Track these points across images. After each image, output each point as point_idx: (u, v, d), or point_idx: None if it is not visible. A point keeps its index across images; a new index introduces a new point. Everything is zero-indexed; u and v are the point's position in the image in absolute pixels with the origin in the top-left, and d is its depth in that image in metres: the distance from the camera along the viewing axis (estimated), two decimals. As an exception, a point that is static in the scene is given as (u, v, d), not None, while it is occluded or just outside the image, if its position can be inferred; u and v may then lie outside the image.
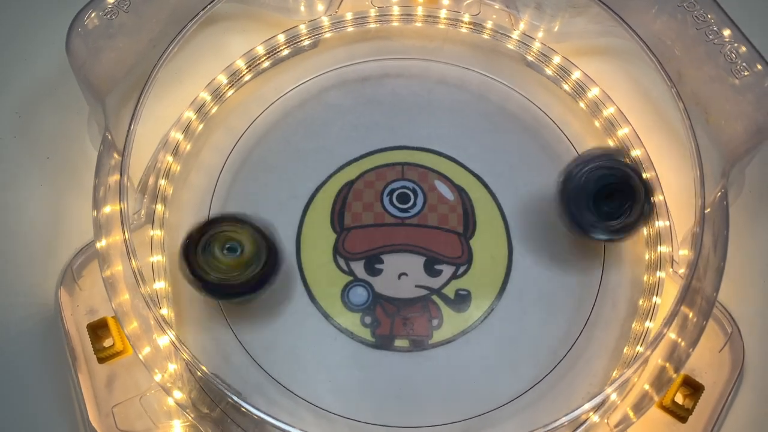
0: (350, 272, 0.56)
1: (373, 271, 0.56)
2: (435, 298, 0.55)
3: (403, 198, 0.58)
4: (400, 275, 0.56)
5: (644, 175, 0.53)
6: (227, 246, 0.51)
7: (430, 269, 0.56)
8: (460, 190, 0.58)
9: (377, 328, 0.54)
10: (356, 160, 0.59)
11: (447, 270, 0.56)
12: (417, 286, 0.56)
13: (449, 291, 0.56)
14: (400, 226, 0.57)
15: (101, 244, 0.50)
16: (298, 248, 0.56)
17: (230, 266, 0.50)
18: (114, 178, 0.51)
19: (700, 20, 0.55)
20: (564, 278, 0.56)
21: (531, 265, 0.56)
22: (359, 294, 0.55)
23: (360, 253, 0.56)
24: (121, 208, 0.50)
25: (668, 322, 0.49)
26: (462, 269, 0.56)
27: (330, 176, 0.58)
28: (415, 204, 0.58)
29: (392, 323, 0.54)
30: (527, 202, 0.58)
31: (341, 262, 0.56)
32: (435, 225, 0.57)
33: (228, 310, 0.55)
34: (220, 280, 0.50)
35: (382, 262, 0.56)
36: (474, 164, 0.59)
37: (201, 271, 0.50)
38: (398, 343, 0.54)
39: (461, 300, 0.55)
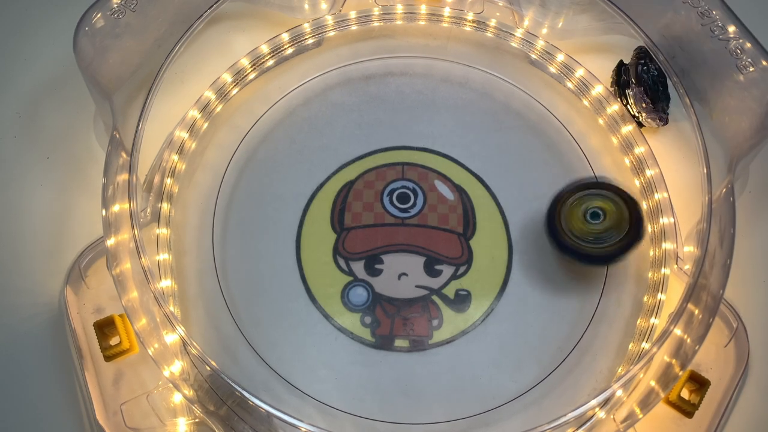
0: (350, 272, 0.56)
1: (373, 271, 0.56)
2: (435, 298, 0.55)
3: (403, 198, 0.58)
4: (400, 275, 0.56)
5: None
6: (591, 212, 0.53)
7: (430, 269, 0.56)
8: (460, 190, 0.58)
9: (377, 328, 0.54)
10: (357, 159, 0.59)
11: (447, 270, 0.56)
12: (417, 286, 0.56)
13: (449, 291, 0.56)
14: (400, 226, 0.57)
15: (111, 242, 0.50)
16: (298, 248, 0.56)
17: (590, 232, 0.53)
18: (122, 177, 0.51)
19: (705, 16, 0.55)
20: (566, 277, 0.56)
21: (531, 265, 0.56)
22: (359, 294, 0.55)
23: (360, 253, 0.56)
24: (130, 206, 0.50)
25: (674, 320, 0.49)
26: (462, 269, 0.56)
27: (330, 176, 0.59)
28: (415, 204, 0.58)
29: (392, 323, 0.55)
30: (527, 202, 0.58)
31: (341, 262, 0.56)
32: (435, 225, 0.57)
33: (233, 308, 0.55)
34: (577, 245, 0.53)
35: (382, 262, 0.56)
36: (474, 164, 0.59)
37: (561, 233, 0.53)
38: (398, 343, 0.54)
39: (461, 300, 0.55)
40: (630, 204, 0.53)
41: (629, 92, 0.59)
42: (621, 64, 0.61)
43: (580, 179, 0.56)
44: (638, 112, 0.59)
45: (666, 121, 0.59)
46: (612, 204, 0.53)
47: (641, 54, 0.59)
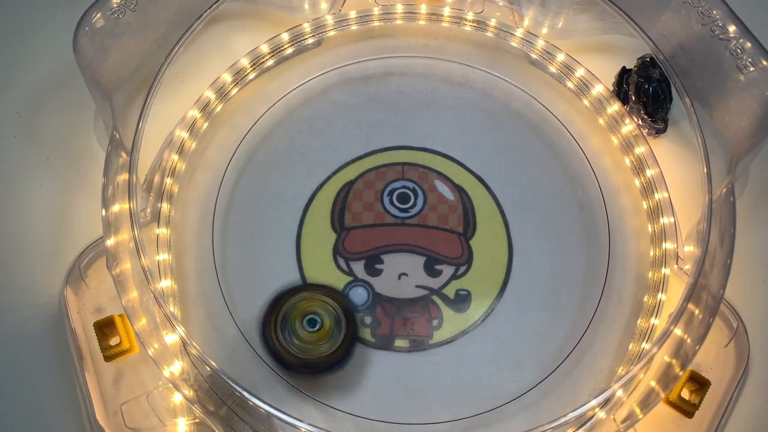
0: (350, 272, 0.56)
1: (373, 271, 0.56)
2: (435, 298, 0.55)
3: (403, 198, 0.58)
4: (400, 275, 0.56)
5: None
6: (307, 319, 0.51)
7: (430, 269, 0.56)
8: (460, 190, 0.58)
9: (377, 329, 0.54)
10: (357, 159, 0.59)
11: (447, 270, 0.56)
12: (417, 286, 0.56)
13: (449, 291, 0.56)
14: (400, 226, 0.57)
15: (110, 242, 0.50)
16: (298, 248, 0.56)
17: (310, 341, 0.51)
18: (122, 177, 0.51)
19: (705, 16, 0.55)
20: (567, 277, 0.56)
21: (532, 265, 0.56)
22: (359, 294, 0.55)
23: (360, 253, 0.56)
24: (130, 206, 0.50)
25: (675, 320, 0.49)
26: (462, 269, 0.56)
27: (330, 176, 0.59)
28: (415, 204, 0.58)
29: (392, 323, 0.55)
30: (527, 202, 0.58)
31: (341, 262, 0.56)
32: (435, 225, 0.57)
33: (233, 308, 0.55)
34: (297, 359, 0.51)
35: (382, 262, 0.56)
36: (474, 164, 0.59)
37: (279, 347, 0.51)
38: (398, 343, 0.54)
39: (461, 300, 0.55)
40: (339, 299, 0.53)
41: (627, 107, 0.60)
42: (623, 71, 0.61)
43: (287, 285, 0.55)
44: (637, 122, 0.59)
45: (664, 130, 0.60)
46: (324, 305, 0.52)
47: (644, 64, 0.59)
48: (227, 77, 0.61)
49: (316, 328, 0.52)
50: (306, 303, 0.52)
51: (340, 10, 0.63)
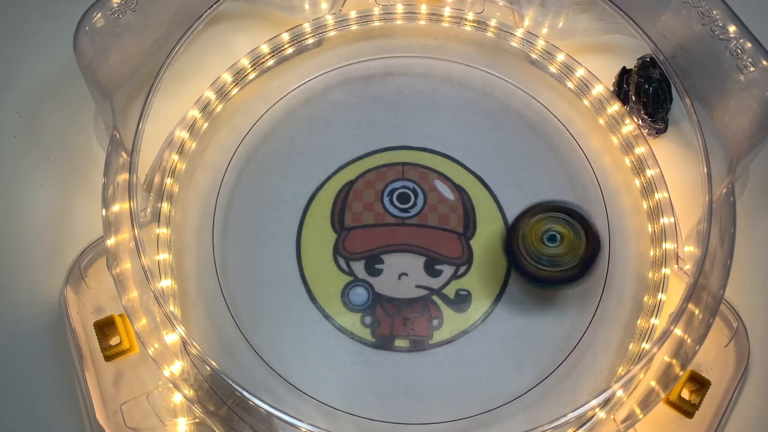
0: (350, 272, 0.56)
1: (373, 271, 0.56)
2: (435, 298, 0.55)
3: (404, 198, 0.58)
4: (400, 275, 0.56)
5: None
6: (547, 236, 0.53)
7: (431, 269, 0.56)
8: (460, 190, 0.58)
9: (377, 328, 0.54)
10: (358, 159, 0.59)
11: (447, 270, 0.56)
12: (417, 286, 0.56)
13: (449, 291, 0.56)
14: (400, 226, 0.57)
15: (111, 242, 0.50)
16: (299, 248, 0.56)
17: (551, 256, 0.53)
18: (122, 177, 0.51)
19: (705, 16, 0.55)
20: (567, 276, 0.56)
21: (532, 265, 0.56)
22: (359, 294, 0.55)
23: (360, 253, 0.56)
24: (130, 206, 0.50)
25: (675, 320, 0.49)
26: (462, 269, 0.56)
27: (330, 176, 0.59)
28: (415, 204, 0.58)
29: (392, 323, 0.55)
30: (527, 202, 0.58)
31: (341, 262, 0.56)
32: (435, 225, 0.57)
33: (233, 308, 0.55)
34: (537, 269, 0.53)
35: (382, 262, 0.56)
36: (474, 164, 0.59)
37: (533, 268, 0.53)
38: (398, 343, 0.54)
39: (461, 300, 0.55)
40: (588, 231, 0.53)
41: (627, 107, 0.60)
42: (623, 71, 0.61)
43: (545, 201, 0.56)
44: (637, 122, 0.59)
45: (664, 130, 0.60)
46: (570, 229, 0.54)
47: (644, 64, 0.59)
48: (227, 77, 0.61)
49: (558, 242, 0.53)
50: (536, 225, 0.54)
51: (340, 10, 0.63)
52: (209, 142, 0.60)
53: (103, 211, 0.51)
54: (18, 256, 0.57)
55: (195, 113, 0.60)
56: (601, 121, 0.61)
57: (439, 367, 0.54)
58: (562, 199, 0.57)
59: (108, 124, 0.54)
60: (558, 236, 0.53)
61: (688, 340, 0.50)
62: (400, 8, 0.63)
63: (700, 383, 0.52)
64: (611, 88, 0.61)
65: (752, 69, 0.54)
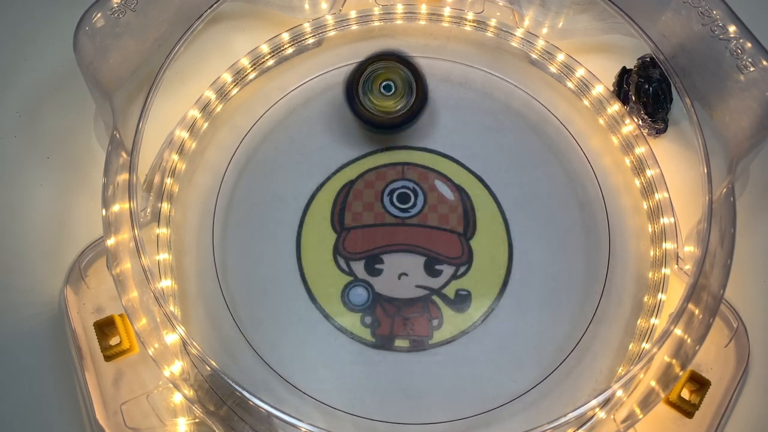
0: (350, 272, 0.56)
1: (373, 271, 0.56)
2: (435, 298, 0.55)
3: (404, 198, 0.58)
4: (400, 275, 0.56)
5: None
6: (383, 84, 0.58)
7: (430, 269, 0.56)
8: (460, 190, 0.58)
9: (377, 329, 0.54)
10: (357, 159, 0.59)
11: (447, 270, 0.56)
12: (417, 286, 0.56)
13: (449, 291, 0.56)
14: (400, 226, 0.57)
15: (111, 242, 0.50)
16: (299, 248, 0.56)
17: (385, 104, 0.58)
18: (122, 177, 0.51)
19: (705, 16, 0.55)
20: (567, 277, 0.56)
21: (532, 265, 0.56)
22: (359, 294, 0.55)
23: (360, 253, 0.56)
24: (130, 206, 0.50)
25: (675, 320, 0.49)
26: (462, 269, 0.56)
27: (330, 176, 0.59)
28: (415, 204, 0.58)
29: (392, 323, 0.55)
30: (527, 202, 0.58)
31: (341, 262, 0.56)
32: (435, 225, 0.57)
33: (233, 308, 0.55)
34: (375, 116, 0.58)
35: (382, 262, 0.56)
36: (474, 164, 0.59)
37: (362, 109, 0.57)
38: (398, 343, 0.54)
39: (461, 300, 0.55)
40: (413, 70, 0.58)
41: (627, 107, 0.60)
42: (623, 71, 0.61)
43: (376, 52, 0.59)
44: (637, 122, 0.59)
45: (664, 130, 0.60)
46: (403, 81, 0.58)
47: (644, 65, 0.59)
48: (227, 77, 0.61)
49: (391, 92, 0.58)
50: (383, 72, 0.58)
51: (340, 10, 0.63)
52: (209, 142, 0.60)
53: (103, 211, 0.51)
54: (18, 256, 0.57)
55: (195, 113, 0.60)
56: (601, 121, 0.61)
57: (439, 367, 0.54)
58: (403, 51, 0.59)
59: (108, 124, 0.54)
60: (393, 86, 0.57)
61: (688, 340, 0.50)
62: (400, 8, 0.63)
63: (700, 383, 0.52)
64: (611, 88, 0.61)
65: (752, 69, 0.54)
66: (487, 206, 0.58)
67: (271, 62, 0.62)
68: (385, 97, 0.58)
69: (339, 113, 0.61)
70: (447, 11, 0.63)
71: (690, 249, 0.55)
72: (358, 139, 0.60)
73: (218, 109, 0.61)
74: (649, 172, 0.58)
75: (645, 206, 0.58)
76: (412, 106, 0.57)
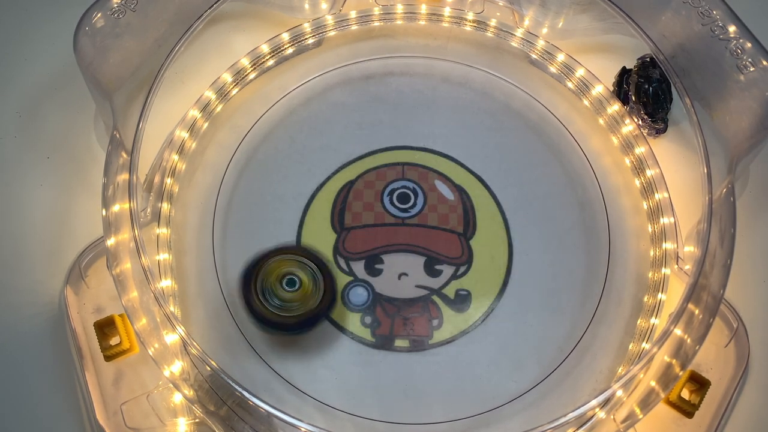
0: (350, 272, 0.56)
1: (373, 271, 0.56)
2: (435, 298, 0.55)
3: (404, 198, 0.58)
4: (400, 275, 0.56)
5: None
6: (286, 279, 0.52)
7: (430, 269, 0.56)
8: (460, 190, 0.58)
9: (377, 328, 0.54)
10: (357, 159, 0.59)
11: (447, 270, 0.56)
12: (417, 286, 0.56)
13: (449, 291, 0.56)
14: (400, 226, 0.57)
15: (111, 242, 0.50)
16: (299, 248, 0.56)
17: (290, 300, 0.52)
18: (123, 177, 0.51)
19: (705, 16, 0.56)
20: (567, 277, 0.56)
21: (532, 265, 0.56)
22: (359, 294, 0.55)
23: (360, 253, 0.56)
24: (130, 206, 0.50)
25: (675, 320, 0.49)
26: (462, 269, 0.56)
27: (330, 176, 0.59)
28: (415, 204, 0.58)
29: (392, 323, 0.55)
30: (527, 202, 0.58)
31: (341, 262, 0.56)
32: (435, 225, 0.57)
33: (233, 308, 0.55)
34: (277, 315, 0.51)
35: (382, 262, 0.56)
36: (474, 164, 0.59)
37: (259, 306, 0.51)
38: (398, 343, 0.54)
39: (461, 300, 0.55)
40: (327, 285, 0.52)
41: (627, 107, 0.60)
42: (623, 71, 0.61)
43: (280, 245, 0.55)
44: (637, 122, 0.60)
45: (664, 130, 0.60)
46: (310, 279, 0.52)
47: (644, 64, 0.59)
48: (227, 77, 0.61)
49: (296, 287, 0.52)
50: (280, 264, 0.52)
51: (340, 10, 0.63)
52: (209, 142, 0.60)
53: (103, 211, 0.51)
54: (18, 256, 0.57)
55: (195, 113, 0.60)
56: (601, 121, 0.61)
57: (439, 367, 0.54)
58: (313, 247, 0.56)
59: (108, 124, 0.54)
60: (297, 279, 0.52)
61: (688, 340, 0.50)
62: (400, 8, 0.63)
63: (700, 383, 0.52)
64: (611, 88, 0.61)
65: (752, 69, 0.54)
66: (487, 206, 0.58)
67: (271, 62, 0.62)
68: (286, 292, 0.52)
69: (339, 113, 0.61)
70: (447, 11, 0.64)
71: (690, 249, 0.55)
72: (358, 139, 0.60)
73: (218, 109, 0.61)
74: (649, 172, 0.58)
75: (645, 206, 0.58)
76: (317, 306, 0.52)
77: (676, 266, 0.55)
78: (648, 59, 0.60)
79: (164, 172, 0.58)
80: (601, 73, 0.61)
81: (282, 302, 0.52)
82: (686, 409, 0.51)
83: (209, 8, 0.56)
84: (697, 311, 0.50)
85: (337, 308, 0.55)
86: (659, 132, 0.60)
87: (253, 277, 0.52)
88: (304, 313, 0.52)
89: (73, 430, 0.53)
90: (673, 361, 0.50)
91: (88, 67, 0.53)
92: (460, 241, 0.57)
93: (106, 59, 0.53)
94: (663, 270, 0.56)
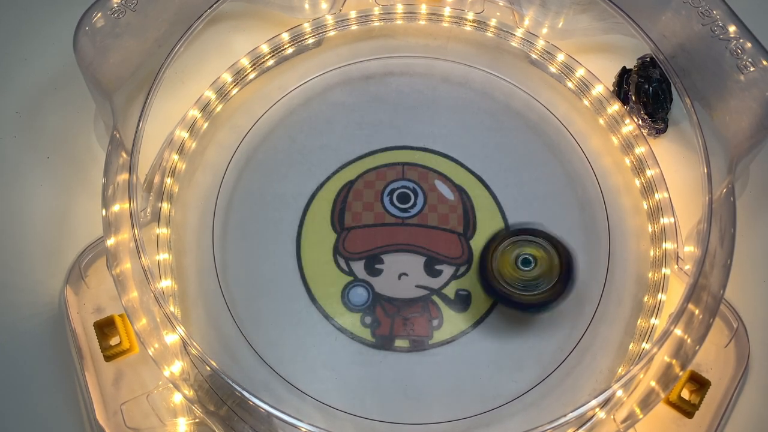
0: (350, 272, 0.56)
1: (373, 271, 0.56)
2: (435, 298, 0.55)
3: (404, 198, 0.58)
4: (400, 275, 0.56)
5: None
6: (522, 258, 0.53)
7: (431, 269, 0.56)
8: (460, 190, 0.58)
9: (377, 329, 0.54)
10: (357, 159, 0.59)
11: (447, 270, 0.56)
12: (417, 286, 0.56)
13: (449, 291, 0.56)
14: (400, 226, 0.57)
15: (111, 242, 0.50)
16: (299, 248, 0.56)
17: (529, 279, 0.53)
18: (122, 177, 0.51)
19: (705, 16, 0.56)
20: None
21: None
22: (359, 294, 0.55)
23: (360, 253, 0.56)
24: (130, 206, 0.50)
25: (675, 320, 0.49)
26: (462, 269, 0.56)
27: (330, 176, 0.59)
28: (415, 204, 0.58)
29: (392, 323, 0.54)
30: (527, 202, 0.58)
31: (341, 262, 0.56)
32: (435, 225, 0.57)
33: (233, 308, 0.55)
34: (508, 291, 0.53)
35: (382, 262, 0.56)
36: (474, 164, 0.59)
37: (492, 278, 0.53)
38: (398, 343, 0.54)
39: (461, 300, 0.55)
40: (562, 252, 0.53)
41: (628, 107, 0.60)
42: (623, 71, 0.61)
43: (515, 225, 0.56)
44: (637, 122, 0.60)
45: (664, 130, 0.60)
46: (543, 251, 0.53)
47: (644, 64, 0.59)
48: (227, 77, 0.61)
49: (530, 267, 0.53)
50: (512, 249, 0.54)
51: (340, 10, 0.63)
52: (209, 142, 0.60)
53: (103, 211, 0.51)
54: (18, 256, 0.57)
55: (195, 113, 0.60)
56: (601, 121, 0.61)
57: (439, 367, 0.54)
58: (524, 222, 0.57)
59: (108, 124, 0.54)
60: (531, 259, 0.53)
61: (688, 340, 0.50)
62: (400, 8, 0.63)
63: (700, 383, 0.52)
64: (611, 88, 0.61)
65: (752, 69, 0.54)
66: (487, 206, 0.58)
67: (271, 62, 0.62)
68: (525, 271, 0.53)
69: (339, 113, 0.61)
70: (447, 11, 0.64)
71: (690, 249, 0.55)
72: (358, 139, 0.60)
73: (218, 109, 0.61)
74: (649, 172, 0.58)
75: (645, 206, 0.58)
76: (559, 272, 0.53)
77: (676, 266, 0.55)
78: (648, 59, 0.60)
79: (164, 172, 0.58)
80: (601, 73, 0.61)
81: (528, 282, 0.53)
82: (686, 409, 0.51)
83: (209, 8, 0.56)
84: (697, 311, 0.50)
85: (337, 308, 0.55)
86: (659, 132, 0.60)
87: (491, 277, 0.53)
88: (555, 281, 0.53)
89: (73, 430, 0.53)
90: (673, 361, 0.50)
91: (88, 67, 0.53)
92: (460, 241, 0.57)
93: (106, 59, 0.53)
94: (663, 270, 0.56)
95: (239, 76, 0.61)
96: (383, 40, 0.64)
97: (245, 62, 0.61)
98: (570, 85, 0.62)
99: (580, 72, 0.62)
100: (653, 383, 0.50)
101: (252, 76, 0.62)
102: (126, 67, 0.54)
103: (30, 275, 0.56)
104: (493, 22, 0.63)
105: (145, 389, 0.52)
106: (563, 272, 0.53)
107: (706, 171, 0.52)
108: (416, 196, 0.58)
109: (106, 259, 0.51)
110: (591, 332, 0.55)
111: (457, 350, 0.54)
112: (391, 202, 0.58)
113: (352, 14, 0.63)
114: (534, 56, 0.63)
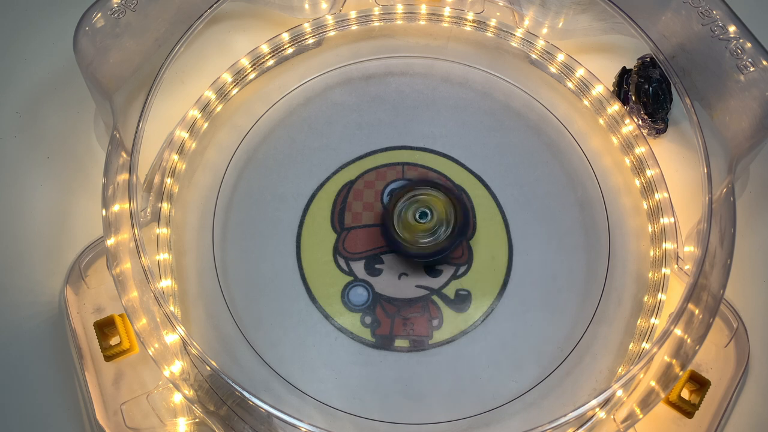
0: (350, 272, 0.56)
1: (373, 271, 0.56)
2: (435, 298, 0.55)
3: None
4: (400, 275, 0.56)
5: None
6: (420, 211, 0.55)
7: (431, 269, 0.56)
8: (460, 190, 0.58)
9: (377, 329, 0.54)
10: (357, 159, 0.59)
11: (447, 270, 0.56)
12: (417, 286, 0.56)
13: (449, 291, 0.56)
14: (400, 225, 0.57)
15: (111, 242, 0.50)
16: (299, 248, 0.56)
17: (422, 231, 0.55)
18: (122, 177, 0.51)
19: (705, 16, 0.56)
20: (567, 277, 0.56)
21: (532, 265, 0.56)
22: (359, 294, 0.55)
23: (360, 253, 0.56)
24: (130, 206, 0.50)
25: (675, 320, 0.49)
26: (462, 269, 0.56)
27: (330, 176, 0.59)
28: (415, 204, 0.58)
29: (392, 323, 0.54)
30: (527, 202, 0.58)
31: (341, 262, 0.56)
32: (435, 225, 0.57)
33: (233, 308, 0.55)
34: (411, 245, 0.55)
35: (382, 262, 0.56)
36: (474, 164, 0.59)
37: (396, 234, 0.55)
38: (398, 343, 0.54)
39: (461, 300, 0.55)
40: (453, 197, 0.55)
41: (628, 107, 0.60)
42: (623, 71, 0.61)
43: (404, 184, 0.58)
44: (637, 122, 0.60)
45: (664, 130, 0.60)
46: (437, 200, 0.55)
47: (644, 64, 0.59)
48: (227, 77, 0.61)
49: (427, 219, 0.55)
50: (423, 197, 0.56)
51: (340, 10, 0.63)
52: (209, 142, 0.60)
53: (103, 211, 0.51)
54: (18, 256, 0.57)
55: (195, 113, 0.60)
56: (601, 121, 0.61)
57: (439, 367, 0.54)
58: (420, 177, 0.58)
59: (108, 124, 0.54)
60: (428, 211, 0.55)
61: (688, 340, 0.50)
62: (400, 8, 0.63)
63: (700, 383, 0.52)
64: (611, 88, 0.61)
65: (752, 69, 0.54)
66: (487, 206, 0.58)
67: (271, 62, 0.62)
68: (423, 223, 0.55)
69: (339, 113, 0.61)
70: (447, 11, 0.63)
71: (690, 249, 0.55)
72: (358, 139, 0.60)
73: (218, 109, 0.61)
74: (649, 172, 0.58)
75: (645, 206, 0.58)
76: (455, 219, 0.55)
77: (676, 266, 0.55)
78: (648, 59, 0.60)
79: (164, 172, 0.58)
80: (601, 73, 0.61)
81: (427, 232, 0.55)
82: (686, 409, 0.51)
83: (209, 8, 0.56)
84: (697, 311, 0.50)
85: (337, 308, 0.55)
86: (659, 132, 0.60)
87: (393, 231, 0.55)
88: (452, 229, 0.55)
89: (73, 430, 0.53)
90: (673, 361, 0.50)
91: (88, 67, 0.53)
92: (460, 241, 0.57)
93: (106, 59, 0.53)
94: (663, 270, 0.56)
95: (239, 76, 0.61)
96: (383, 40, 0.64)
97: (245, 62, 0.61)
98: (570, 85, 0.62)
99: (580, 72, 0.61)
100: (653, 383, 0.50)
101: (252, 76, 0.62)
102: (126, 67, 0.54)
103: (30, 275, 0.56)
104: (493, 22, 0.63)
105: (145, 389, 0.52)
106: (459, 222, 0.54)
107: (706, 171, 0.52)
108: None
109: (106, 259, 0.51)
110: (591, 332, 0.55)
111: (457, 350, 0.54)
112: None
113: (352, 14, 0.63)
114: (534, 56, 0.63)
